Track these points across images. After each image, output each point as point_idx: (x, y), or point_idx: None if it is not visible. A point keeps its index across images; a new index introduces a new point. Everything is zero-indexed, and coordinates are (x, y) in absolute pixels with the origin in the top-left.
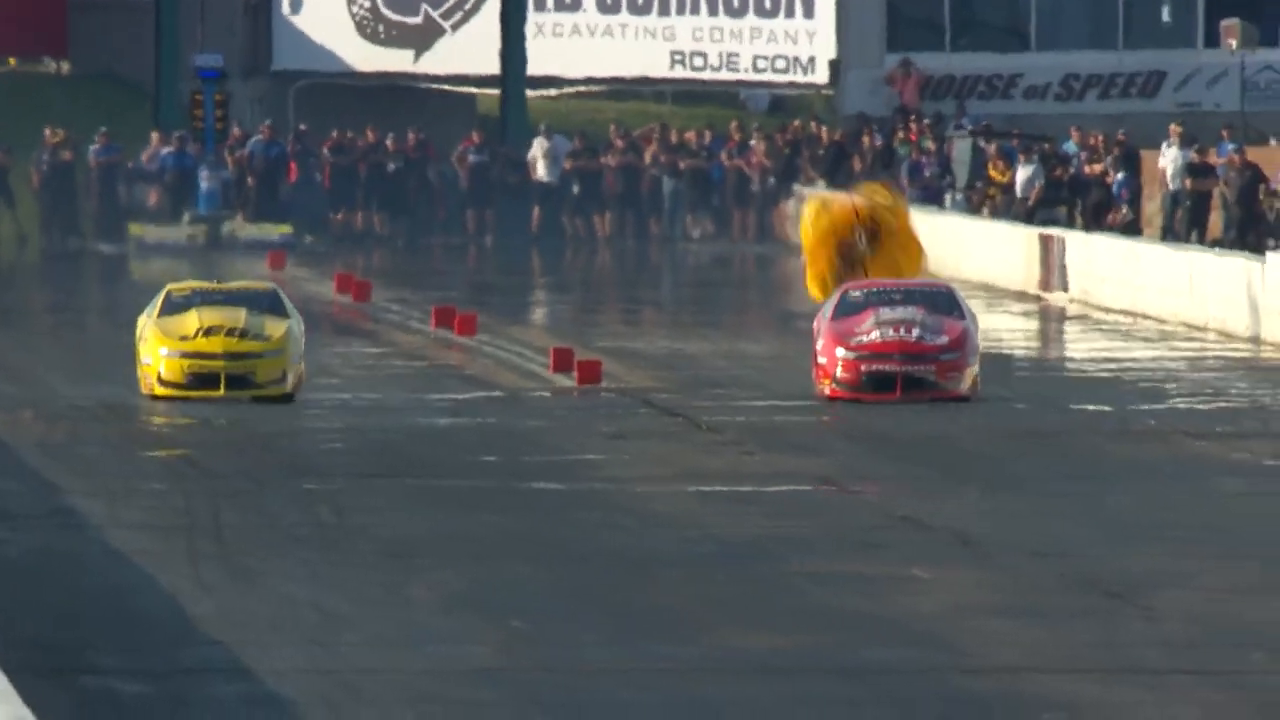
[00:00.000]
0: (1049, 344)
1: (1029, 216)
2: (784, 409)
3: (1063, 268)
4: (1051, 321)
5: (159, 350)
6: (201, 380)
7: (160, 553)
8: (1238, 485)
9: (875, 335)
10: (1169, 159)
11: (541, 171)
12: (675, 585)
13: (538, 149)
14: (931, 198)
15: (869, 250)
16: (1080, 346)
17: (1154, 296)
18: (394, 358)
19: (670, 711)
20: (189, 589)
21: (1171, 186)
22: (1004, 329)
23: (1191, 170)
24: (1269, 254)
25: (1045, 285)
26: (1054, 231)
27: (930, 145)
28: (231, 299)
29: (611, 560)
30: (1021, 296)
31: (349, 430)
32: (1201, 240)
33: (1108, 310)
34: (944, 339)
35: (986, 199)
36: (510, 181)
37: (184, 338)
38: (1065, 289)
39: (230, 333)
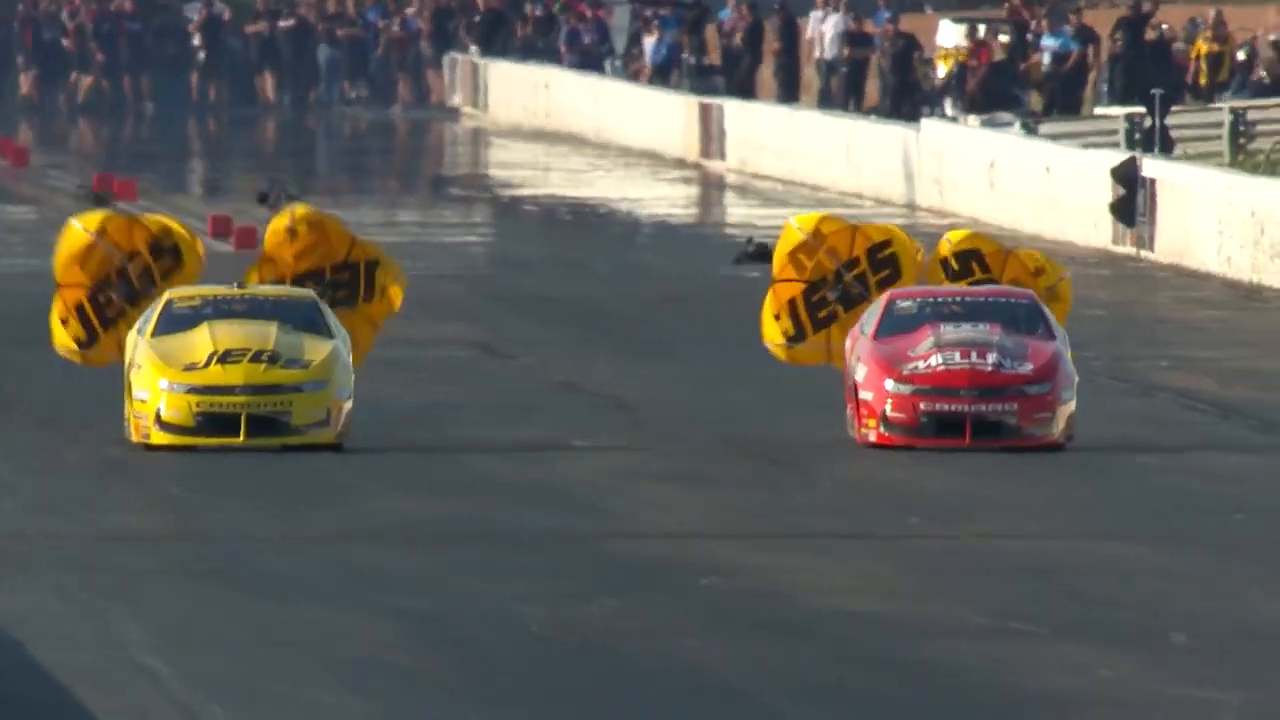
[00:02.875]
0: (708, 210)
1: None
2: (440, 277)
3: (721, 135)
4: (711, 188)
5: (158, 382)
6: (216, 423)
7: None
8: None
9: (936, 362)
10: (828, 26)
11: (199, 40)
12: (330, 454)
13: (197, 17)
14: (591, 65)
15: (843, 308)
16: (738, 213)
17: (811, 164)
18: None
19: (327, 576)
20: None
21: (828, 55)
22: (663, 196)
23: (849, 39)
24: (923, 121)
25: (705, 153)
26: (713, 100)
27: (588, 13)
28: (256, 310)
29: None
30: (681, 164)
31: None
32: (859, 108)
33: (766, 178)
34: (1028, 367)
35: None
36: (169, 51)
37: (192, 365)
38: (724, 157)
39: (255, 358)
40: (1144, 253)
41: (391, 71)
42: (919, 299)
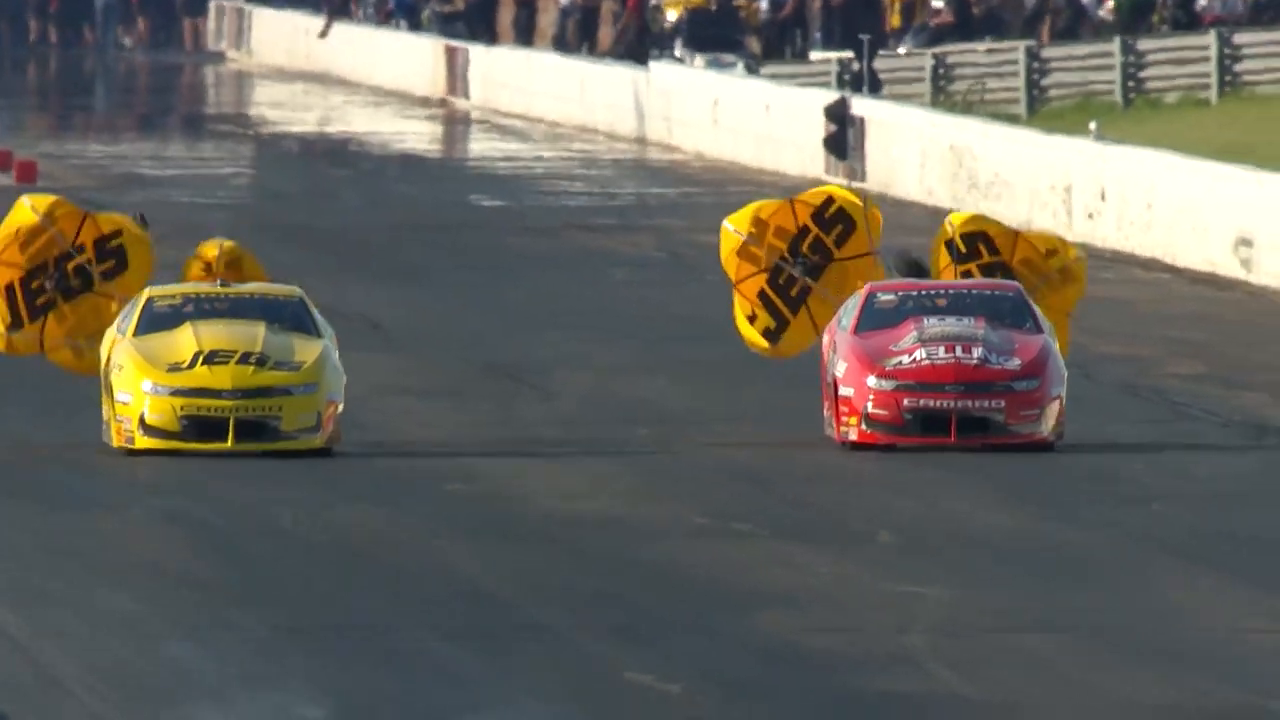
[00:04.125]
0: (454, 145)
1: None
2: (206, 206)
3: (465, 76)
4: (456, 125)
5: (141, 384)
6: (203, 427)
7: None
8: (625, 274)
9: (920, 356)
10: None
11: None
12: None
13: None
14: (338, 10)
15: (810, 278)
16: (481, 147)
17: (548, 102)
18: None
19: (102, 486)
20: None
21: (563, 2)
22: (413, 132)
23: None
24: (652, 64)
25: (451, 92)
26: (457, 43)
27: None
28: (241, 309)
29: None
30: (427, 103)
31: None
32: (592, 51)
33: (507, 114)
34: (1015, 362)
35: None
36: None
37: (176, 366)
38: (468, 96)
39: (243, 359)
40: (854, 184)
41: (162, 17)
42: (900, 292)
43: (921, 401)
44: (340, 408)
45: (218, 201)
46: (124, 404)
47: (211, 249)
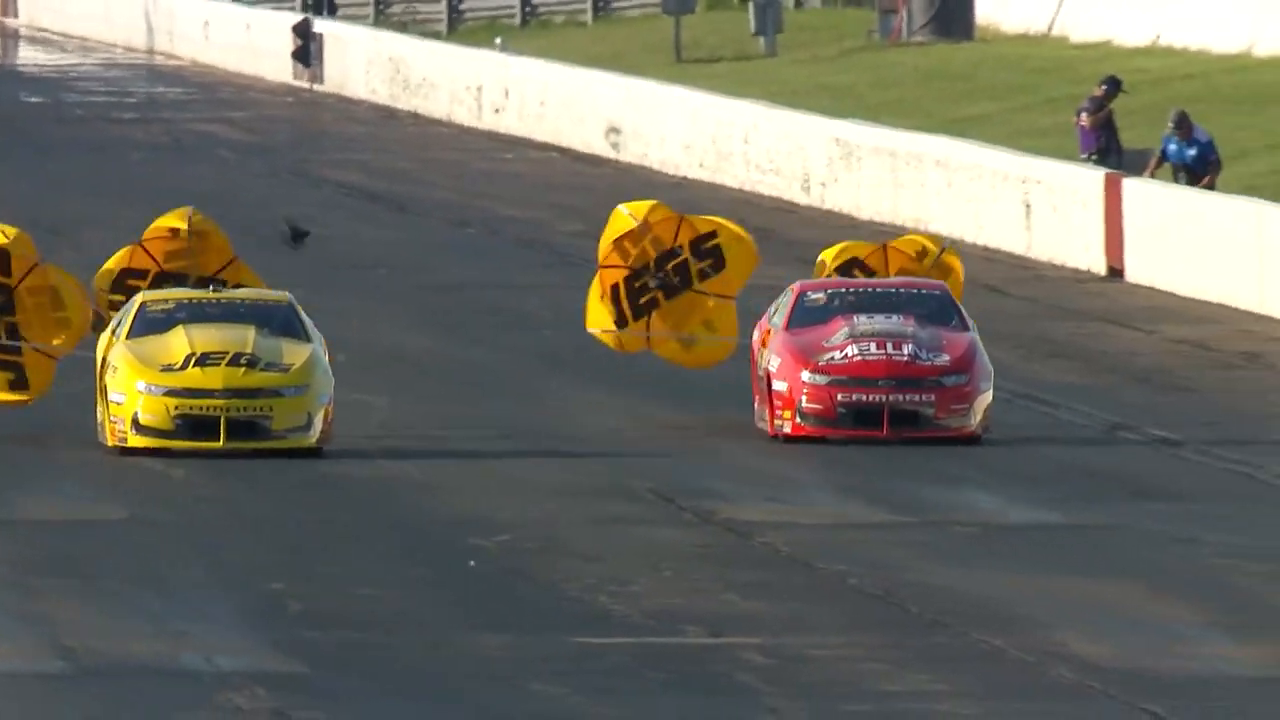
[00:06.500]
0: (5, 55)
1: None
2: None
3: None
4: (8, 39)
5: (135, 384)
6: (195, 427)
7: None
8: (140, 156)
9: (852, 352)
10: None
11: None
12: None
13: None
14: None
15: (664, 295)
16: (28, 55)
17: (80, 21)
18: None
19: None
20: None
21: None
22: None
23: None
24: None
25: (4, 13)
26: None
27: None
28: (232, 314)
29: None
30: None
31: None
32: None
33: (48, 31)
34: (945, 358)
35: None
36: None
37: (169, 367)
38: (17, 15)
39: (234, 361)
40: (316, 86)
41: None
42: (829, 290)
43: (855, 396)
44: (330, 408)
45: None
46: (118, 404)
47: (178, 220)
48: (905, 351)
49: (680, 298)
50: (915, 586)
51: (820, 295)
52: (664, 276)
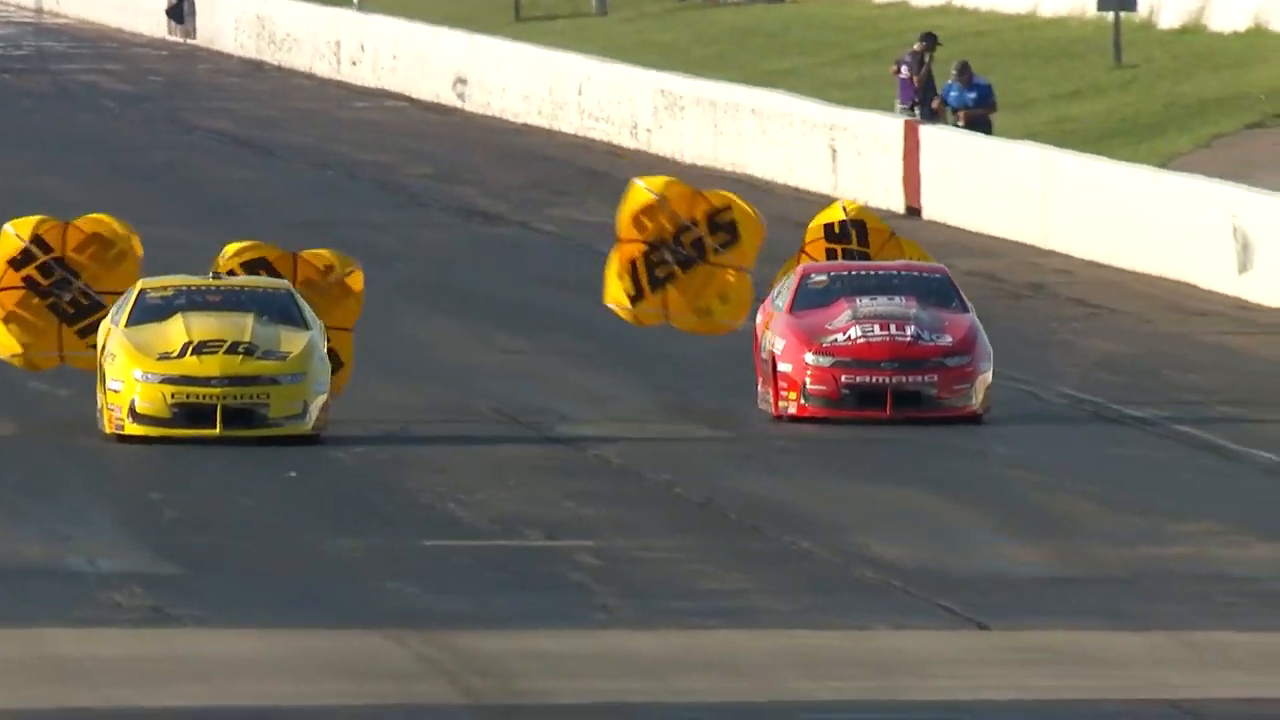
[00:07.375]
0: None
1: None
2: None
3: None
4: None
5: (132, 372)
6: (192, 415)
7: None
8: (29, 104)
9: (856, 334)
10: None
11: None
12: None
13: None
14: None
15: (681, 269)
16: None
17: None
18: None
19: None
20: None
21: None
22: None
23: None
24: None
25: None
26: None
27: None
28: (231, 301)
29: None
30: None
31: None
32: None
33: None
34: (947, 339)
35: None
36: None
37: (166, 355)
38: None
39: (232, 349)
40: (190, 41)
41: None
42: (831, 273)
43: (859, 377)
44: (326, 396)
45: None
46: (115, 392)
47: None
48: (908, 333)
49: (696, 270)
50: (734, 494)
51: (823, 278)
52: (681, 250)
